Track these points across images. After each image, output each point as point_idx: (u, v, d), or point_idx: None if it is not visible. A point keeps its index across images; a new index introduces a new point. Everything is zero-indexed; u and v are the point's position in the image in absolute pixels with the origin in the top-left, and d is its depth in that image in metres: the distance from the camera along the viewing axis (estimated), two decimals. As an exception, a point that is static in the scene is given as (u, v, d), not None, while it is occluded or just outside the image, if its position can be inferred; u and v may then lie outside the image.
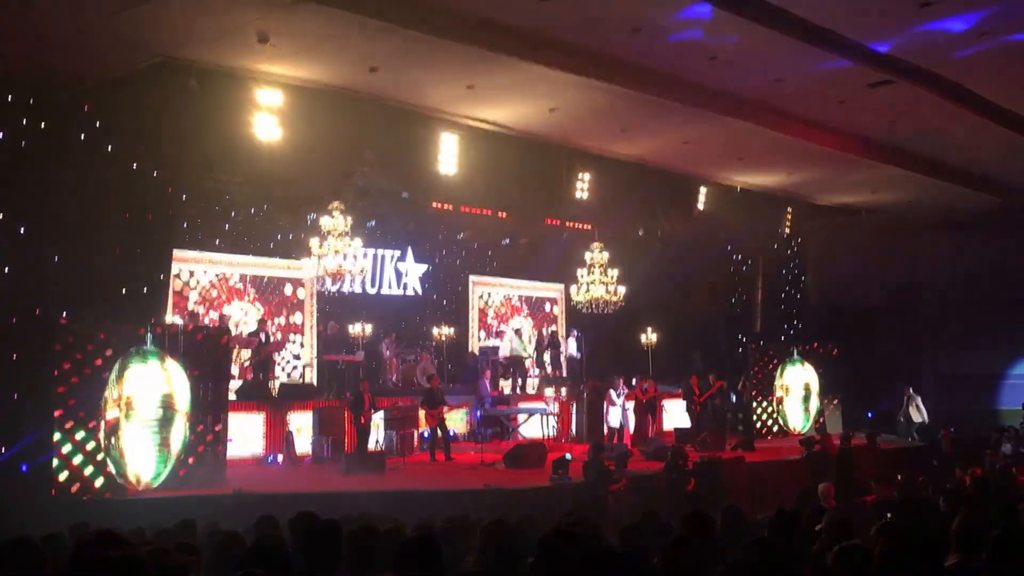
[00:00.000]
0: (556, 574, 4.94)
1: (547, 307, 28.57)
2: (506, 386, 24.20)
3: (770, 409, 24.22)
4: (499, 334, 25.60)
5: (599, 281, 23.05)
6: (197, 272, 20.89)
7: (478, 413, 21.51)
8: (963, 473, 14.89)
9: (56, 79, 15.15)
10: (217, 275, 21.24)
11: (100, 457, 14.03)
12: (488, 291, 27.05)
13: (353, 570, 5.44)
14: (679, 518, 6.90)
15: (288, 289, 22.40)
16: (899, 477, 14.63)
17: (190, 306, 20.59)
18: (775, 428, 24.15)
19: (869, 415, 26.01)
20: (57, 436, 13.66)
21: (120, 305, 15.81)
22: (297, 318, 22.58)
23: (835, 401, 24.40)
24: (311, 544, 5.67)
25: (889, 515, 9.10)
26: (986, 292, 27.07)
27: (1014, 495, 10.33)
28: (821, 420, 23.88)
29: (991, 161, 23.50)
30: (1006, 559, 5.43)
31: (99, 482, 14.00)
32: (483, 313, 26.81)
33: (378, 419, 19.08)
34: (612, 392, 21.55)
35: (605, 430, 21.34)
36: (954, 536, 6.03)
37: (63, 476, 13.68)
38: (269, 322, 20.95)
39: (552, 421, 22.53)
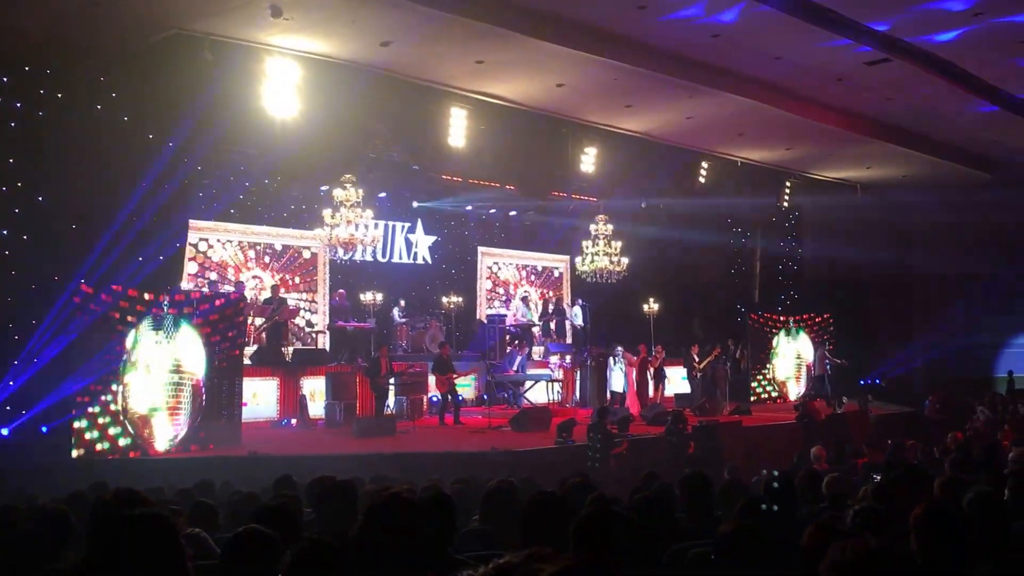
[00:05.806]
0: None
1: (553, 276, 28.96)
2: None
3: (767, 376, 24.96)
4: (506, 302, 25.97)
5: (603, 252, 23.41)
6: (212, 241, 21.26)
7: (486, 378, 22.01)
8: (950, 438, 15.28)
9: (73, 51, 15.35)
10: (231, 244, 21.61)
11: (119, 419, 14.39)
12: (496, 261, 27.45)
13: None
14: (679, 479, 7.20)
15: (301, 258, 22.79)
16: (888, 441, 15.04)
17: (205, 274, 21.00)
18: (774, 394, 24.93)
19: (862, 383, 26.46)
20: (76, 399, 14.04)
21: (137, 273, 16.09)
22: (310, 286, 22.99)
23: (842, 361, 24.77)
24: (327, 503, 5.97)
25: (877, 477, 9.51)
26: (976, 265, 27.53)
27: (997, 460, 10.69)
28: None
29: (981, 138, 23.97)
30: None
31: (118, 443, 14.35)
32: (493, 283, 27.26)
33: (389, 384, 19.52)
34: (612, 359, 21.95)
35: (608, 395, 21.76)
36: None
37: (82, 437, 14.01)
38: (283, 290, 21.28)
39: (557, 387, 22.96)
